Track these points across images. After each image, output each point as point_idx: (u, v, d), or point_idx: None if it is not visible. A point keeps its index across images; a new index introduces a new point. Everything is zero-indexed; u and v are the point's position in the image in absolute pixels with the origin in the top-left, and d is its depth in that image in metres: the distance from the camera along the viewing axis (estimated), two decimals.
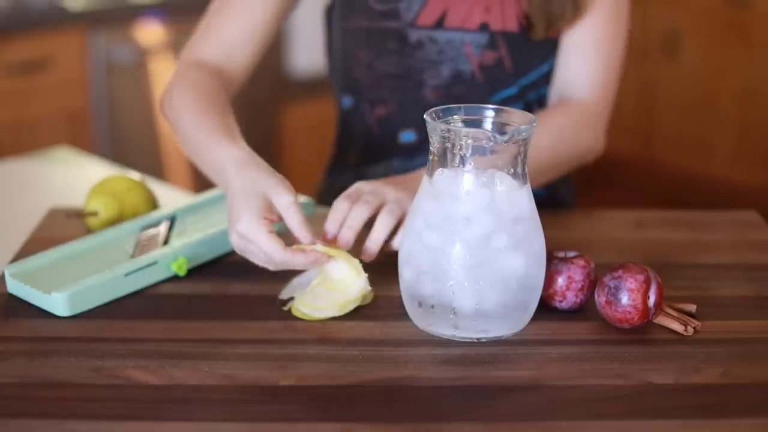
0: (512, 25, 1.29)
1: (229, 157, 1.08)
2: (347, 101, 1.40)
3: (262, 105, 3.21)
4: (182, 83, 1.23)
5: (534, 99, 1.35)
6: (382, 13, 1.31)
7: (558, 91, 1.34)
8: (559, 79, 1.33)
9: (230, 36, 1.28)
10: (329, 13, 1.41)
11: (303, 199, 1.22)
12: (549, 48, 1.32)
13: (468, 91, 1.31)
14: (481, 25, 1.29)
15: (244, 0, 1.28)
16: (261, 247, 1.02)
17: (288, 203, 1.04)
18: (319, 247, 1.04)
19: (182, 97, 1.21)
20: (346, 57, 1.37)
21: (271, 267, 1.05)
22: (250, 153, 1.09)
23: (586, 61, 1.31)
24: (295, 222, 1.04)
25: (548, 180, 1.31)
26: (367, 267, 1.14)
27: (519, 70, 1.32)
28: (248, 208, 1.03)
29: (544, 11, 1.27)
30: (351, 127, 1.41)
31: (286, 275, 1.11)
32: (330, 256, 1.04)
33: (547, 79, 1.34)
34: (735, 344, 0.99)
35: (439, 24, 1.29)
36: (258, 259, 1.05)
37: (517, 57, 1.31)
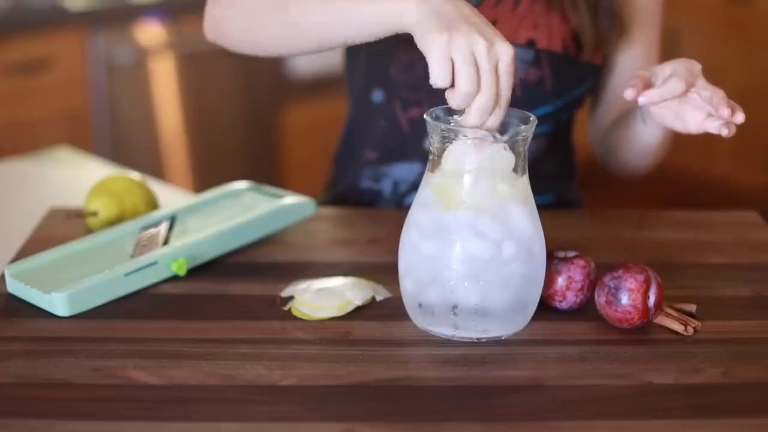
0: (557, 45, 1.30)
1: None
2: (378, 95, 1.37)
3: (262, 105, 3.21)
4: None
5: (565, 119, 1.38)
6: None
7: (607, 114, 1.38)
8: (608, 103, 1.38)
9: None
10: None
11: (302, 199, 1.22)
12: (588, 72, 1.34)
13: None
14: (528, 42, 1.29)
15: None
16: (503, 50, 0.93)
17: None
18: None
19: None
20: (383, 52, 1.34)
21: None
22: None
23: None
24: None
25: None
26: (368, 271, 1.14)
27: (558, 90, 1.33)
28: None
29: (593, 30, 1.28)
30: (375, 123, 1.39)
31: (286, 275, 1.11)
32: None
33: (579, 102, 1.37)
34: (735, 344, 0.99)
35: None
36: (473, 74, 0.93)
37: (558, 77, 1.31)
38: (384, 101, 1.37)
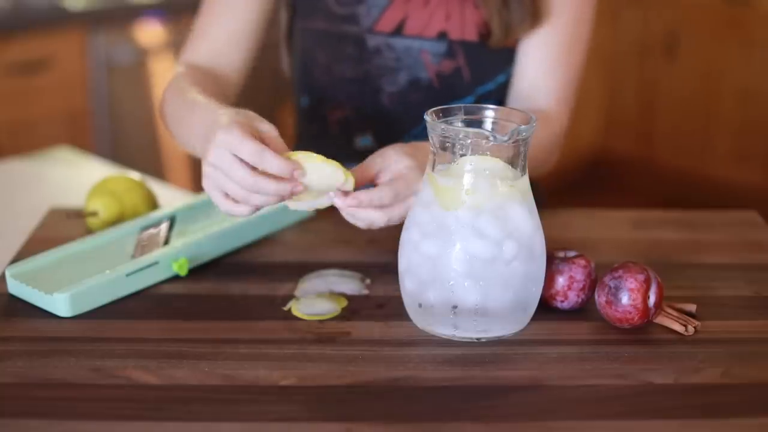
0: (471, 34, 1.29)
1: (218, 112, 1.04)
2: (305, 100, 1.39)
3: (262, 105, 3.21)
4: (173, 84, 1.24)
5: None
6: (341, 16, 1.30)
7: (516, 102, 1.31)
8: (517, 91, 1.31)
9: (216, 39, 1.30)
10: (292, 11, 1.37)
11: None
12: (506, 58, 1.31)
13: (425, 98, 1.30)
14: (439, 34, 1.29)
15: (227, 2, 1.29)
16: (243, 149, 0.96)
17: (272, 129, 1.01)
18: (300, 154, 1.00)
19: (171, 91, 1.22)
20: (305, 56, 1.36)
21: (245, 187, 0.98)
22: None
23: (546, 76, 1.29)
24: (280, 147, 1.00)
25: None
26: (367, 270, 1.14)
27: (476, 79, 1.31)
28: (228, 123, 0.99)
29: (503, 18, 1.26)
30: (309, 127, 1.40)
31: (286, 275, 1.11)
32: (304, 164, 1.00)
33: (503, 89, 1.33)
34: (735, 344, 0.99)
35: (398, 31, 1.29)
36: (231, 181, 0.98)
37: (474, 67, 1.30)
38: (310, 106, 1.38)
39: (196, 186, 3.01)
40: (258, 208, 1.00)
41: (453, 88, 1.31)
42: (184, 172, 3.12)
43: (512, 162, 0.97)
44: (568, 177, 3.40)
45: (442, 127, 0.96)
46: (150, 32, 2.97)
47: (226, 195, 1.00)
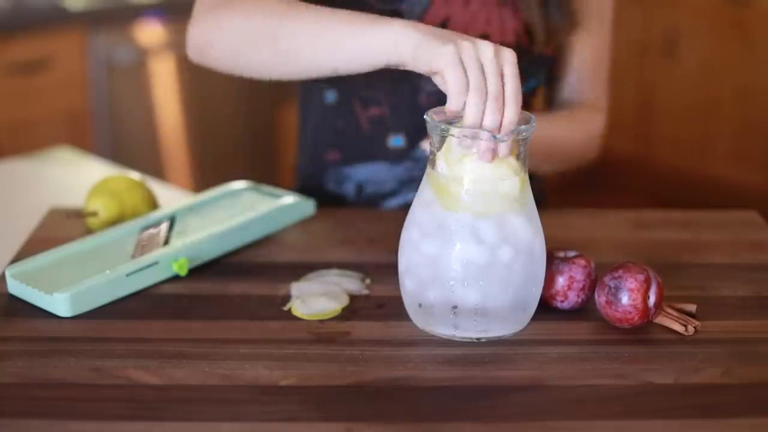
0: (509, 37, 1.30)
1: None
2: (331, 96, 1.36)
3: (262, 105, 3.21)
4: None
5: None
6: (382, 12, 1.30)
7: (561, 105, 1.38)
8: (561, 95, 1.38)
9: None
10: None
11: (302, 198, 1.22)
12: (541, 65, 1.34)
13: None
14: (481, 36, 1.29)
15: None
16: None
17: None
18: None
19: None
20: None
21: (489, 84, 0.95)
22: None
23: (588, 80, 1.37)
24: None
25: (554, 167, 1.39)
26: (368, 271, 1.14)
27: None
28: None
29: (543, 23, 1.28)
30: (332, 124, 1.37)
31: (286, 275, 1.11)
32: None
33: (533, 93, 1.36)
34: (735, 344, 0.99)
35: None
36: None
37: None
38: (338, 101, 1.36)
39: (196, 186, 3.01)
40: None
41: None
42: (184, 172, 3.13)
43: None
44: (568, 177, 3.41)
45: (443, 126, 0.96)
46: (150, 32, 2.97)
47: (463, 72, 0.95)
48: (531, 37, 1.30)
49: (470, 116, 0.95)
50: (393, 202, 1.36)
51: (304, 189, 1.42)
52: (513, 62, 0.97)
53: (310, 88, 1.40)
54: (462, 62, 0.96)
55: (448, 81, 0.96)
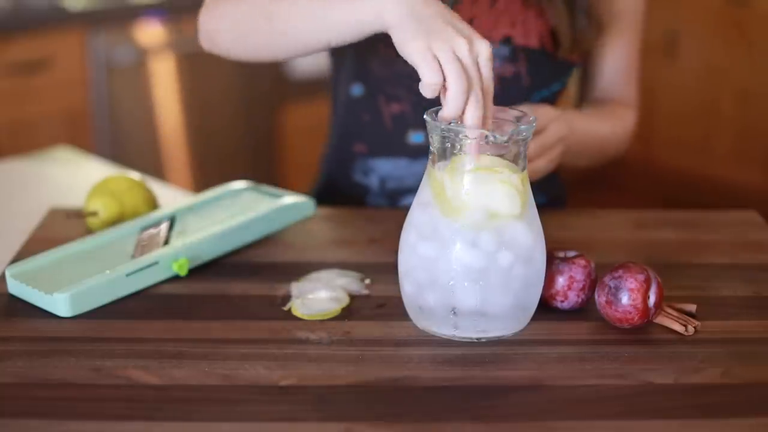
0: (534, 42, 1.30)
1: None
2: (357, 89, 1.38)
3: (261, 105, 3.21)
4: None
5: None
6: None
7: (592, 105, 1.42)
8: (593, 96, 1.42)
9: None
10: None
11: (302, 198, 1.22)
12: (564, 69, 1.35)
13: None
14: (504, 38, 1.30)
15: None
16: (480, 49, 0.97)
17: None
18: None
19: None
20: (364, 46, 1.35)
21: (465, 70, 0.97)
22: None
23: (620, 84, 1.41)
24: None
25: (589, 161, 1.41)
26: (368, 271, 1.14)
27: (534, 86, 1.33)
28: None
29: (569, 28, 1.30)
30: (359, 116, 1.39)
31: (286, 275, 1.11)
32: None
33: (555, 97, 1.37)
34: (735, 344, 0.99)
35: None
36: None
37: (534, 73, 1.32)
38: (364, 95, 1.37)
39: (196, 186, 3.01)
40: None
41: (510, 92, 1.31)
42: (184, 172, 3.13)
43: (513, 162, 0.97)
44: (568, 177, 3.40)
45: (442, 126, 0.96)
46: (150, 32, 2.97)
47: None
48: (556, 41, 1.31)
49: (450, 111, 0.96)
50: (411, 199, 1.38)
51: (330, 177, 1.45)
52: (486, 54, 0.97)
53: (340, 80, 1.42)
54: (434, 58, 0.96)
55: (422, 76, 0.96)
